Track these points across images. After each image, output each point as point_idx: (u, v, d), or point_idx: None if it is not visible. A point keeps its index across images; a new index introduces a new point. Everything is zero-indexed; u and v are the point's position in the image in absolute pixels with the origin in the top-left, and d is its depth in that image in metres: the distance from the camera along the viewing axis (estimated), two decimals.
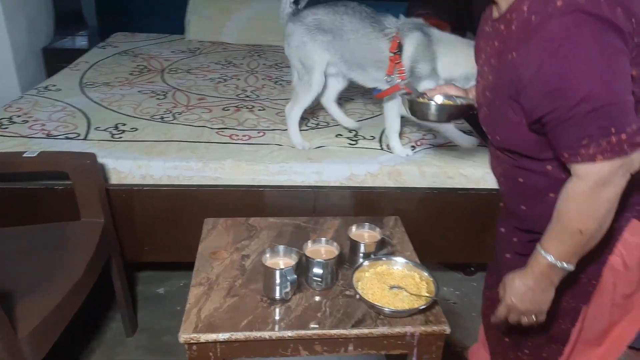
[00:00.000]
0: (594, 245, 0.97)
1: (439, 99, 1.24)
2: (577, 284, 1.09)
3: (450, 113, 1.25)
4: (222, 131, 2.12)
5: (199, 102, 2.44)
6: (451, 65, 1.78)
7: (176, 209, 1.80)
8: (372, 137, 2.13)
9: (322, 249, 1.25)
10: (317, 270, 1.17)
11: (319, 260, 1.17)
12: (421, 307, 1.12)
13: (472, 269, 2.28)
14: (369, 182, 1.88)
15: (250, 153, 1.93)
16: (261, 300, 1.17)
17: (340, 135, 2.15)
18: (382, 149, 2.04)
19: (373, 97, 2.15)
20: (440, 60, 1.79)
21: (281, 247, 1.22)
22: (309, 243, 1.25)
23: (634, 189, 0.98)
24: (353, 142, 2.08)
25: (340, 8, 1.93)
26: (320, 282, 1.19)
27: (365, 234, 1.32)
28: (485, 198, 1.86)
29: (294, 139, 2.02)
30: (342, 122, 2.21)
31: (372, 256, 1.28)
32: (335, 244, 1.25)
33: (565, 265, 0.97)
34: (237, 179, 1.85)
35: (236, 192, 1.80)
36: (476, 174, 1.90)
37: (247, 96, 2.58)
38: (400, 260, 1.26)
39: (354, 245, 1.28)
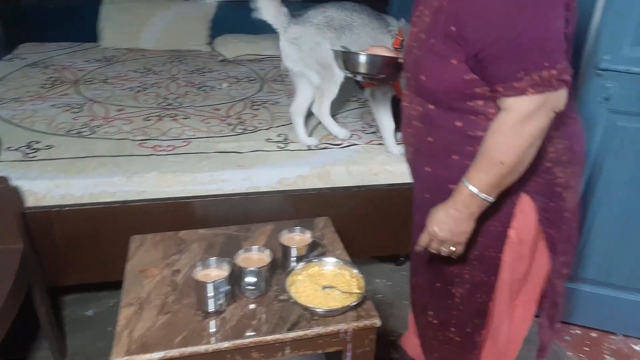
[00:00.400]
0: (513, 180, 1.06)
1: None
2: (485, 259, 1.21)
3: (380, 65, 1.35)
4: (145, 143, 2.06)
5: (118, 114, 2.36)
6: None
7: (100, 228, 1.74)
8: None
9: (254, 257, 1.26)
10: (250, 279, 1.18)
11: (251, 268, 1.18)
12: (352, 304, 1.16)
13: (402, 259, 2.38)
14: (300, 185, 1.91)
15: (176, 164, 1.89)
16: (195, 314, 1.16)
17: (270, 139, 2.16)
18: (309, 149, 2.08)
19: (359, 86, 2.17)
20: None
21: (212, 259, 1.22)
22: (241, 252, 1.25)
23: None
24: (283, 146, 2.10)
25: (347, 5, 2.01)
26: (254, 290, 1.20)
27: (296, 238, 1.35)
28: (409, 191, 1.94)
29: (337, 132, 2.16)
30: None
31: (304, 259, 1.30)
32: (267, 250, 1.26)
33: (485, 196, 1.05)
34: (164, 192, 1.81)
35: (163, 205, 1.76)
36: (400, 169, 1.98)
37: (169, 104, 2.52)
38: (330, 260, 1.30)
39: (286, 250, 1.30)
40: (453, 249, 1.13)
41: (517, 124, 0.98)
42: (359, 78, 1.45)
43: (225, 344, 1.09)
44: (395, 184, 1.96)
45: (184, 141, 2.10)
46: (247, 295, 1.21)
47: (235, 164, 1.92)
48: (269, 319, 1.16)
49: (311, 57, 2.00)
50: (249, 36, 3.43)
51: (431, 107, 1.13)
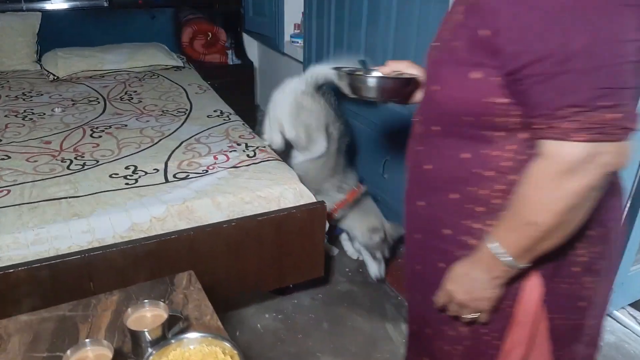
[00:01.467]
0: (553, 246, 0.80)
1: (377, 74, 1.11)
2: (484, 345, 0.97)
3: (391, 89, 1.11)
4: None
5: None
6: None
7: None
8: (155, 170, 1.84)
9: (89, 355, 0.94)
10: None
11: None
12: None
13: (291, 286, 2.17)
14: (157, 229, 1.59)
15: None
16: None
17: (115, 174, 1.80)
18: (166, 181, 1.76)
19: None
20: None
21: None
22: (69, 352, 0.93)
23: None
24: (132, 182, 1.76)
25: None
26: None
27: (147, 315, 1.05)
28: (287, 217, 1.74)
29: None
30: None
31: (162, 341, 1.02)
32: (105, 343, 0.95)
33: (510, 260, 0.81)
34: None
35: None
36: (274, 192, 1.76)
37: None
38: (194, 336, 1.02)
39: (135, 335, 1.01)
40: (475, 316, 0.91)
41: (557, 176, 0.73)
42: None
43: None
44: (271, 211, 1.73)
45: (2, 190, 1.66)
46: None
47: (71, 213, 1.55)
48: None
49: None
50: (85, 49, 2.96)
51: (436, 128, 0.90)
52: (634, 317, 2.15)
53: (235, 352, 1.00)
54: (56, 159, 1.89)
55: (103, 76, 2.88)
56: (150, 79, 2.91)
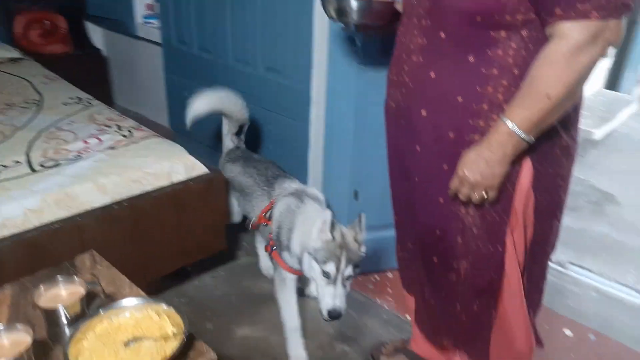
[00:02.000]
0: (555, 119, 0.93)
1: None
2: (487, 224, 1.08)
3: (371, 10, 1.16)
4: None
5: None
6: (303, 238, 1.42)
7: None
8: (16, 163, 1.61)
9: (4, 342, 0.81)
10: None
11: None
12: (176, 352, 0.85)
13: (189, 269, 2.07)
14: (35, 222, 1.40)
15: None
16: None
17: None
18: (33, 171, 1.56)
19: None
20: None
21: None
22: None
23: None
24: None
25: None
26: None
27: (62, 293, 0.93)
28: (183, 190, 1.66)
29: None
30: None
31: (82, 318, 0.91)
32: (20, 326, 0.82)
33: (523, 134, 0.93)
34: None
35: None
36: (163, 167, 1.66)
37: None
38: (124, 304, 0.94)
39: (51, 315, 0.88)
40: (484, 194, 1.00)
41: (572, 53, 0.86)
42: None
43: None
44: (162, 187, 1.64)
45: None
46: None
47: None
48: None
49: None
50: None
51: (442, 35, 0.97)
52: None
53: (172, 311, 0.94)
54: None
55: None
56: None
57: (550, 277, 1.33)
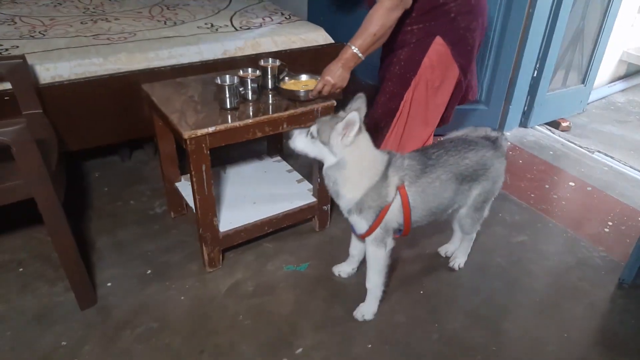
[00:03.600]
0: (376, 47, 1.70)
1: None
2: (401, 77, 1.90)
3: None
4: (97, 37, 2.42)
5: (53, 22, 2.61)
6: None
7: (101, 95, 2.15)
8: (226, 25, 2.70)
9: (247, 74, 1.85)
10: (252, 85, 1.78)
11: (251, 77, 1.77)
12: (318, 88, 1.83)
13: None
14: (239, 53, 2.48)
15: (137, 46, 2.31)
16: (221, 109, 1.73)
17: (200, 27, 2.64)
18: (236, 30, 2.63)
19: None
20: None
21: (225, 76, 1.75)
22: (240, 71, 1.84)
23: (438, 19, 1.75)
24: (214, 30, 2.61)
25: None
26: (253, 94, 1.80)
27: (269, 65, 1.95)
28: (320, 51, 2.63)
29: None
30: None
31: (277, 78, 1.92)
32: (256, 71, 1.86)
33: (360, 54, 1.67)
34: (135, 68, 2.23)
35: (140, 74, 2.21)
36: (309, 36, 2.64)
37: (94, 12, 2.82)
38: (303, 75, 1.94)
39: (264, 71, 1.90)
40: (338, 89, 1.77)
41: (386, 11, 1.62)
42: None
43: (249, 121, 1.69)
44: (310, 46, 2.63)
45: (130, 34, 2.50)
46: (249, 98, 1.80)
47: (184, 43, 2.40)
48: (268, 107, 1.78)
49: None
50: None
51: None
52: (549, 130, 3.17)
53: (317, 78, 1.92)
54: (154, 20, 2.72)
55: None
56: None
57: (574, 154, 2.19)
